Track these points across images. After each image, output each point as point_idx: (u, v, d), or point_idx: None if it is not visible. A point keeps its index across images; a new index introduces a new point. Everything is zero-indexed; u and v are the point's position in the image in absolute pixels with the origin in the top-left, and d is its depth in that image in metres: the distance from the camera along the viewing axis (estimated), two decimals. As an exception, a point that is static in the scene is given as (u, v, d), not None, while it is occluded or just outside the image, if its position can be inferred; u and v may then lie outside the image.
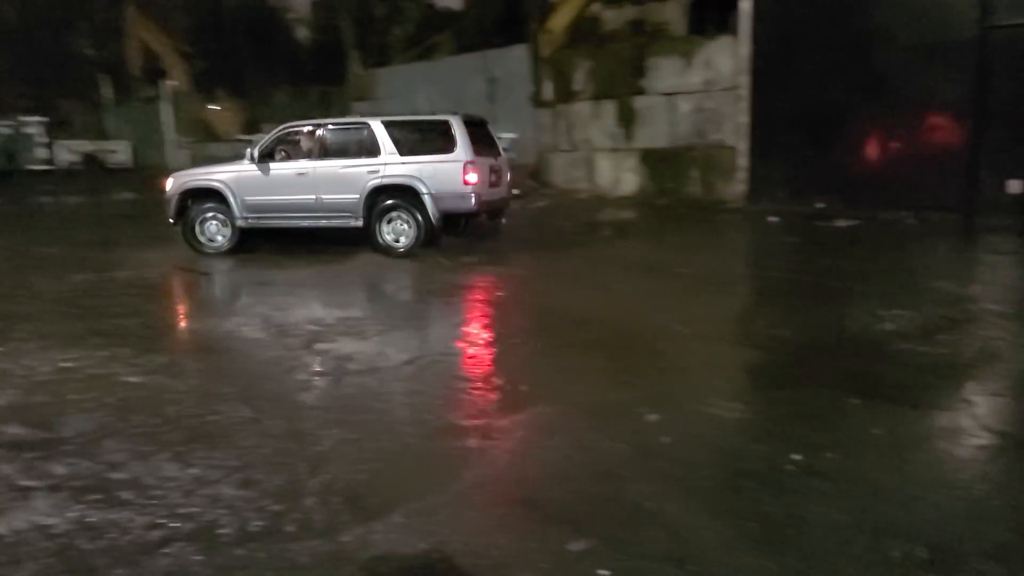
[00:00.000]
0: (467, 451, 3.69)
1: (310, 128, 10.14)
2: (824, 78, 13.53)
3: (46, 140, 25.92)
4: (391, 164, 9.56)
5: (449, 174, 9.38)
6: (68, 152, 26.43)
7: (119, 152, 26.86)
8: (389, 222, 9.64)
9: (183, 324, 7.24)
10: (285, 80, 27.83)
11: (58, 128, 26.93)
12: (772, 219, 12.74)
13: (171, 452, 3.69)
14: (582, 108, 18.25)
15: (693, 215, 14.15)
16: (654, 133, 16.80)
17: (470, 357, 5.47)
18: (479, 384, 4.79)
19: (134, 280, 8.53)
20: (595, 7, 18.78)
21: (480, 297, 7.90)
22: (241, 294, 8.49)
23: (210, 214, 9.95)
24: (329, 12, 30.81)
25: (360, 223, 9.67)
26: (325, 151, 9.85)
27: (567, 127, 18.68)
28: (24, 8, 27.46)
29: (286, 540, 2.90)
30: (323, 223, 9.91)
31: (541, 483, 3.36)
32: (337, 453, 3.69)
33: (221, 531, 2.97)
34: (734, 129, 15.21)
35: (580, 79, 18.19)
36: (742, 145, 15.03)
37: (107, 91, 26.58)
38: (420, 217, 9.50)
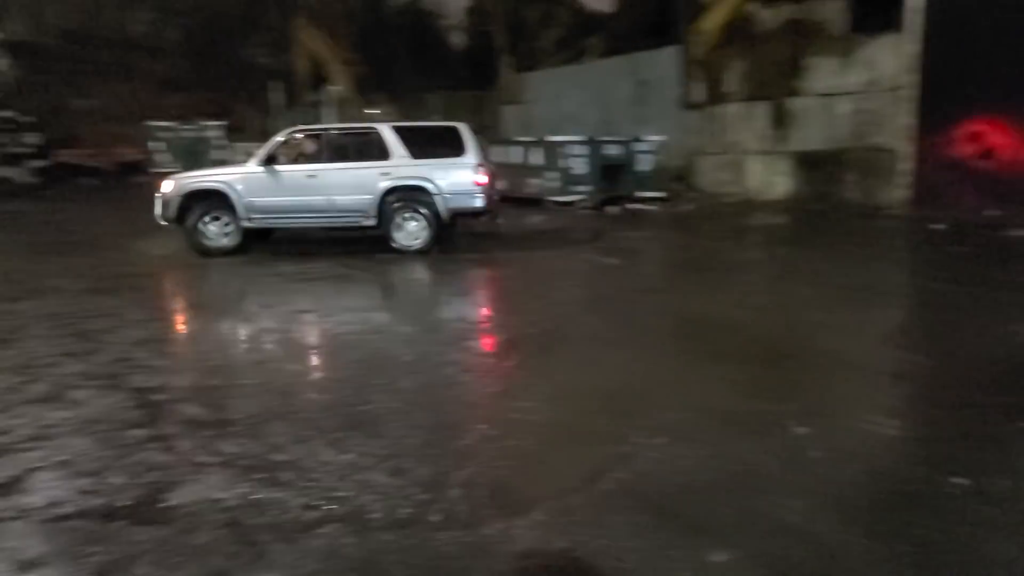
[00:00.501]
0: (608, 454, 3.70)
1: (318, 132, 10.62)
2: (998, 76, 12.51)
3: (224, 143, 27.97)
4: (403, 166, 10.00)
5: (460, 175, 9.97)
6: (243, 154, 28.41)
7: (287, 154, 28.52)
8: (403, 221, 10.04)
9: (329, 317, 7.63)
10: (439, 84, 28.72)
11: (234, 132, 29.00)
12: (937, 227, 11.93)
13: (327, 438, 3.92)
14: (733, 110, 17.78)
15: (849, 221, 13.47)
16: (809, 135, 16.13)
17: (611, 360, 5.46)
18: (621, 388, 4.77)
19: (294, 273, 9.07)
20: (750, 6, 18.24)
21: (611, 300, 7.82)
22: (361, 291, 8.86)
23: (213, 215, 10.11)
24: (482, 18, 31.52)
25: (373, 222, 10.07)
26: (335, 154, 10.25)
27: (716, 129, 18.25)
28: (210, 22, 29.85)
29: (432, 529, 3.02)
30: (334, 223, 10.38)
31: (683, 491, 3.32)
32: (481, 448, 3.80)
33: (371, 516, 3.13)
34: (896, 131, 14.35)
35: (732, 80, 17.73)
36: (905, 148, 14.17)
37: (277, 97, 28.40)
38: (432, 216, 9.96)
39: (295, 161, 10.25)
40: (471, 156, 10.08)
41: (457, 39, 36.32)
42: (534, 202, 16.01)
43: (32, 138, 16.75)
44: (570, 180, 15.76)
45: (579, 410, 4.37)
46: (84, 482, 3.43)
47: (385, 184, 9.92)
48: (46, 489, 3.37)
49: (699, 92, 18.82)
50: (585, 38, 26.89)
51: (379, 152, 10.09)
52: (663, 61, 20.15)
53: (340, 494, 3.30)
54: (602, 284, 8.58)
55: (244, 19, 30.36)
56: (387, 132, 10.17)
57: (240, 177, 10.05)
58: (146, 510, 3.20)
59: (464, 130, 10.24)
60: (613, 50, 23.78)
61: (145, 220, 10.61)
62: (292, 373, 5.14)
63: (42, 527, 3.07)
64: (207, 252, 9.99)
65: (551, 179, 16.04)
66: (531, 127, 21.62)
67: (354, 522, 3.08)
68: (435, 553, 2.85)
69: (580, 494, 3.29)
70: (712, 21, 18.46)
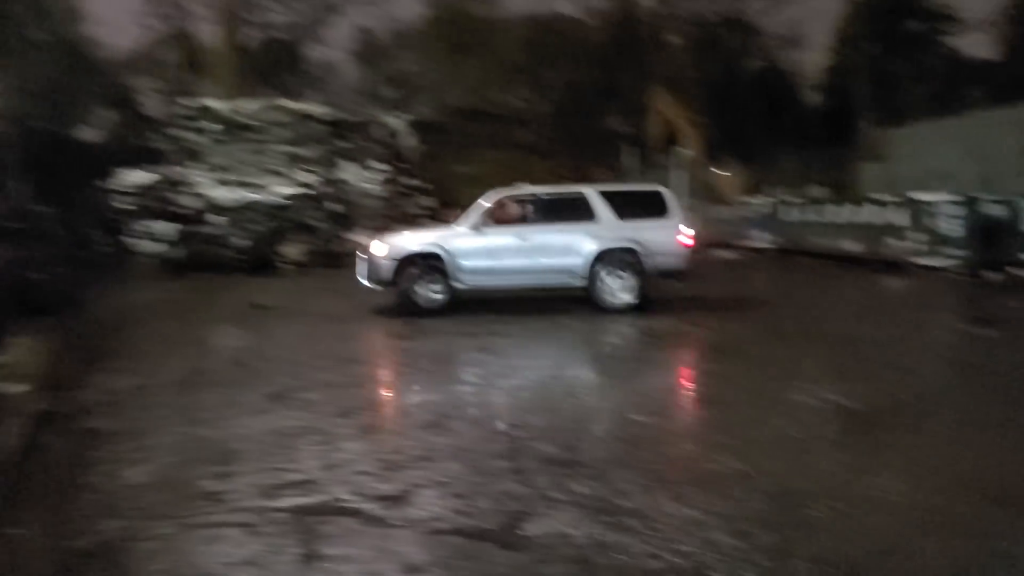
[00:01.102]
0: (986, 549, 3.32)
1: (527, 196, 10.83)
2: None
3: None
4: (611, 228, 10.31)
5: (665, 236, 10.31)
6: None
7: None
8: (611, 281, 10.20)
9: (672, 377, 7.73)
10: (790, 144, 27.89)
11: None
12: None
13: (671, 490, 4.00)
14: None
15: None
16: None
17: (988, 442, 4.84)
18: (1002, 475, 4.23)
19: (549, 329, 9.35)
20: None
21: (986, 374, 6.81)
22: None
23: (429, 276, 10.23)
24: (842, 75, 30.14)
25: (584, 284, 10.28)
26: (544, 217, 10.56)
27: None
28: (573, 94, 32.51)
29: (776, 598, 2.95)
30: (544, 284, 10.61)
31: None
32: (832, 522, 3.61)
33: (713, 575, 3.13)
34: None
35: None
36: None
37: (630, 160, 29.67)
38: (640, 275, 10.18)
39: (505, 225, 10.53)
40: (675, 217, 10.45)
41: (812, 98, 35.07)
42: (893, 265, 14.76)
43: (426, 201, 19.57)
44: (939, 241, 14.26)
45: (948, 494, 3.94)
46: (457, 502, 3.89)
47: (595, 246, 10.20)
48: (428, 505, 3.88)
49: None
50: (961, 89, 24.44)
51: (586, 215, 10.41)
52: (1063, 109, 17.55)
53: (683, 548, 3.35)
54: (974, 357, 7.66)
55: (603, 89, 32.42)
56: (593, 195, 10.52)
57: (452, 240, 10.44)
58: (507, 535, 3.53)
59: (666, 193, 10.73)
60: (996, 99, 21.28)
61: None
62: (634, 423, 5.32)
63: (424, 538, 3.54)
64: (418, 312, 10.25)
65: (916, 240, 14.68)
66: (892, 185, 20.00)
67: (696, 578, 3.11)
68: (780, 623, 2.78)
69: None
70: None
